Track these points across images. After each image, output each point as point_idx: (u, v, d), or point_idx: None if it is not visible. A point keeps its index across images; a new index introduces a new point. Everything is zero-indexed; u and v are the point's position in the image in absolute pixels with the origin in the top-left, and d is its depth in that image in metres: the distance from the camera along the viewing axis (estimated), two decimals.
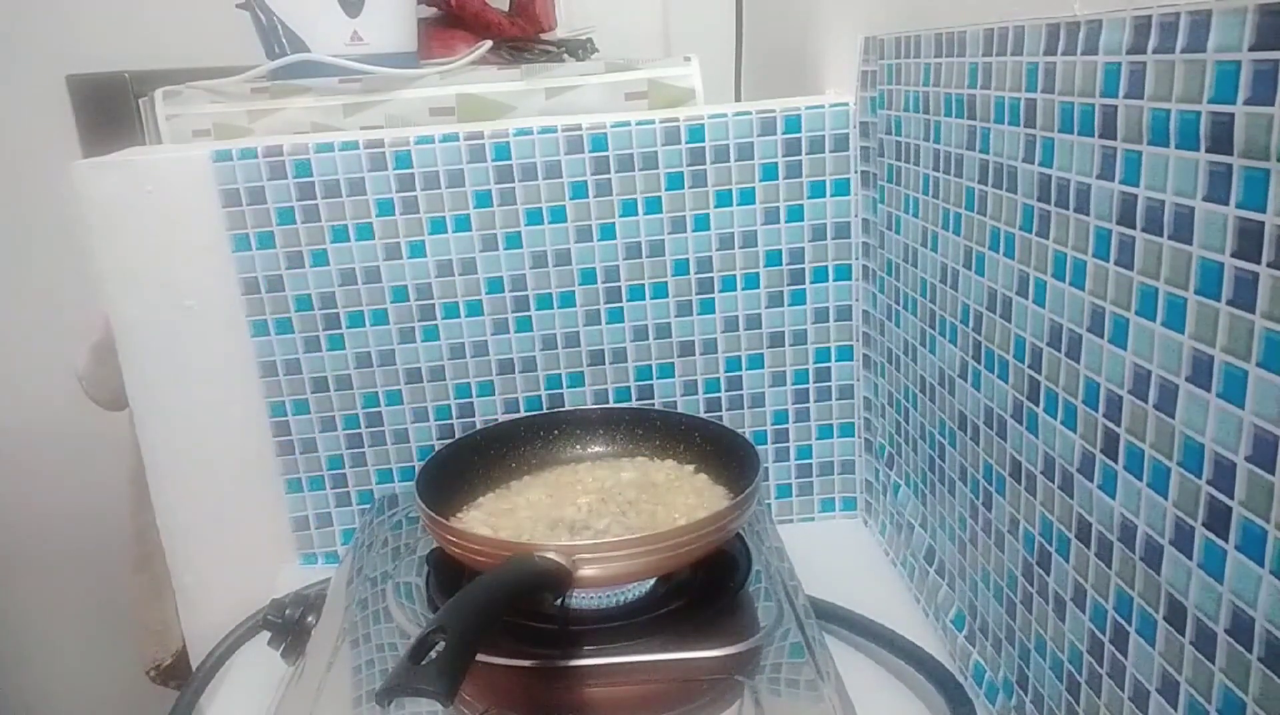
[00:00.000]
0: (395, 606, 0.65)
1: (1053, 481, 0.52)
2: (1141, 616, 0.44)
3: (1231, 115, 0.35)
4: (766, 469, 0.87)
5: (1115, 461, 0.45)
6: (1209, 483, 0.39)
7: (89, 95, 0.95)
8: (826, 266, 0.82)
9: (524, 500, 0.73)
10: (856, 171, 0.79)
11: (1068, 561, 0.51)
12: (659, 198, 0.80)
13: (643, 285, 0.82)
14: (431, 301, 0.81)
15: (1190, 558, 0.40)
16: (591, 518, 0.69)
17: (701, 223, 0.80)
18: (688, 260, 0.81)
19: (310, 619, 0.69)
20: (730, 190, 0.80)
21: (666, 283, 0.82)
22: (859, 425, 0.86)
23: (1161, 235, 0.40)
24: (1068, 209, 0.48)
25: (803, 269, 0.82)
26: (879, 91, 0.74)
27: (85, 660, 1.68)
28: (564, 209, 0.79)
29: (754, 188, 0.80)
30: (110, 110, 0.93)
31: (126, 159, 0.78)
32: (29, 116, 1.41)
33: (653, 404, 0.85)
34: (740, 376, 0.85)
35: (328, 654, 0.62)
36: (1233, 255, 0.36)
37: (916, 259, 0.69)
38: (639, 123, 0.78)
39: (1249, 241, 0.35)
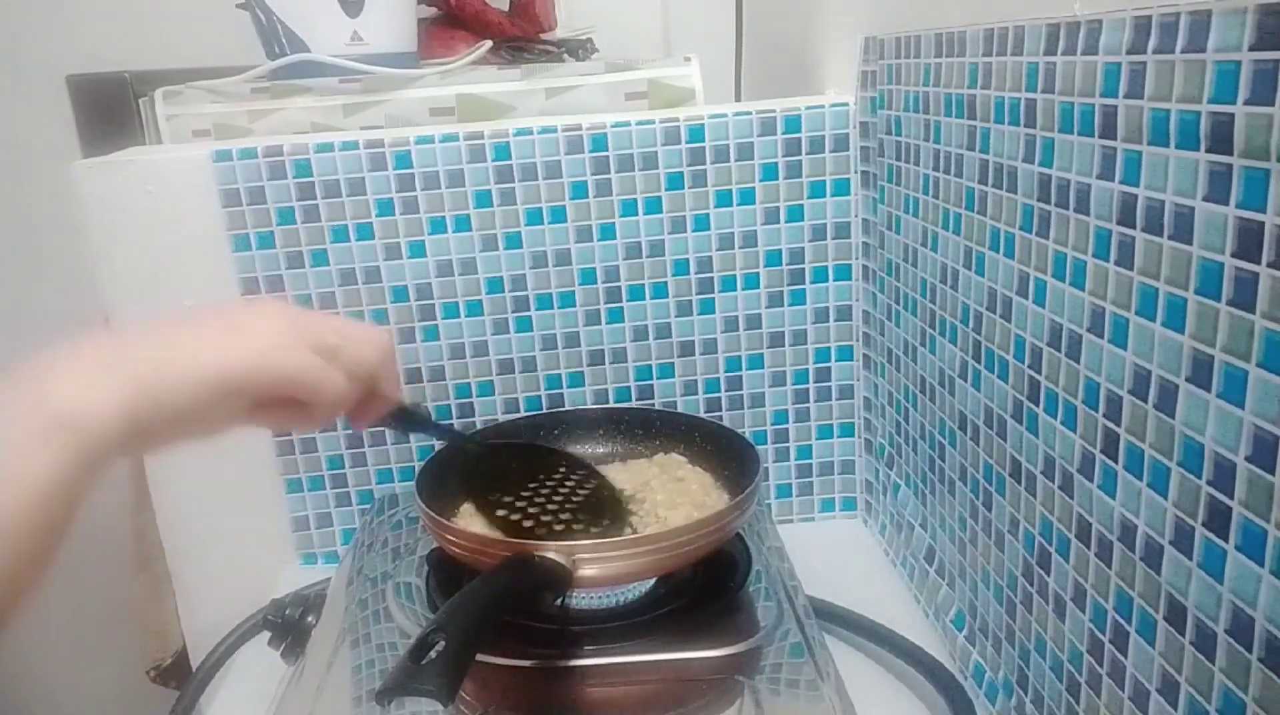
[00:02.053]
0: (395, 606, 0.65)
1: (1053, 481, 0.52)
2: (1141, 616, 0.44)
3: (1231, 115, 0.35)
4: (766, 469, 0.87)
5: (1115, 461, 0.45)
6: (1209, 483, 0.39)
7: (89, 95, 0.95)
8: (826, 266, 0.82)
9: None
10: (856, 171, 0.79)
11: (1068, 561, 0.51)
12: (659, 198, 0.80)
13: (643, 285, 0.82)
14: (431, 301, 0.81)
15: (1190, 558, 0.40)
16: None
17: (701, 223, 0.80)
18: (688, 260, 0.81)
19: (310, 619, 0.69)
20: (730, 190, 0.80)
21: (666, 283, 0.82)
22: (859, 425, 0.86)
23: (1161, 235, 0.40)
24: (1068, 209, 0.48)
25: (803, 269, 0.82)
26: (879, 91, 0.74)
27: (85, 660, 1.68)
28: (564, 209, 0.79)
29: (754, 188, 0.80)
30: (110, 110, 0.93)
31: (127, 159, 0.78)
32: (29, 116, 1.41)
33: (653, 404, 0.85)
34: (740, 376, 0.85)
35: (328, 654, 0.62)
36: (1233, 255, 0.36)
37: (916, 259, 0.69)
38: (639, 123, 0.78)
39: (1249, 241, 0.35)
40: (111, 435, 0.40)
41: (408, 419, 0.61)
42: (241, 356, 0.45)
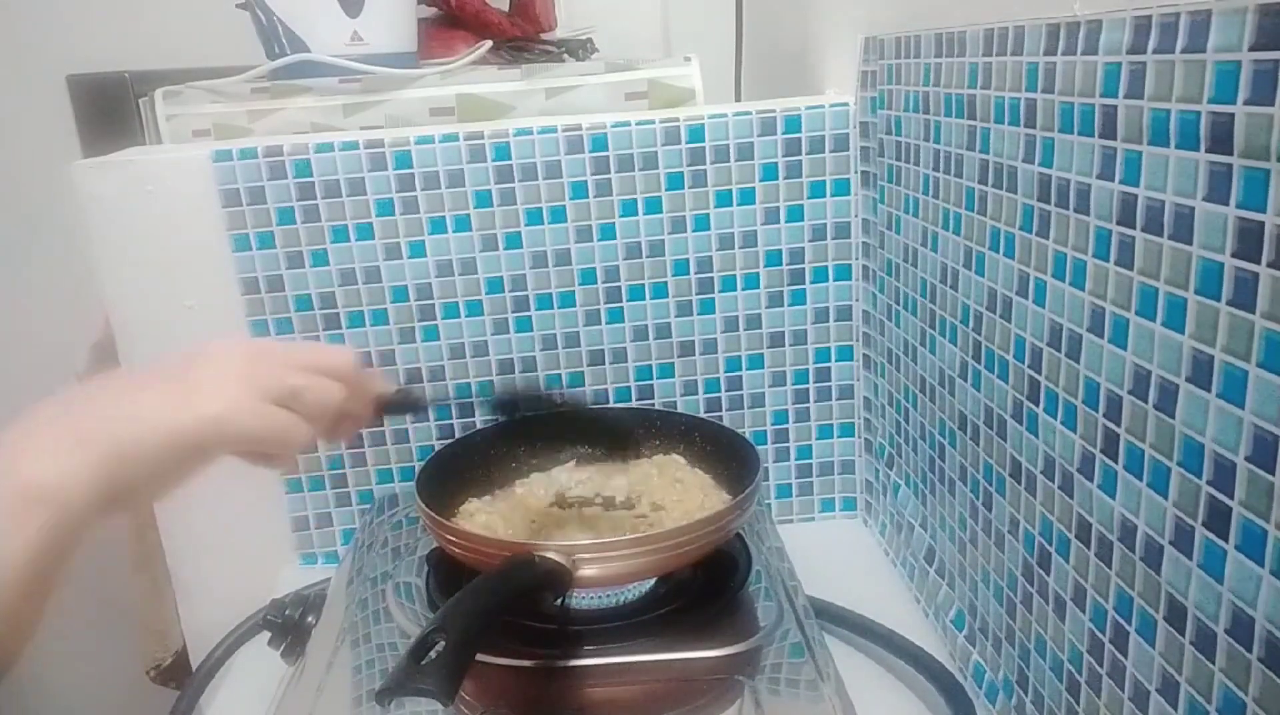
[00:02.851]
0: (395, 606, 0.65)
1: (1053, 481, 0.52)
2: (1141, 616, 0.44)
3: (1231, 115, 0.35)
4: (766, 469, 0.87)
5: (1115, 461, 0.45)
6: (1209, 483, 0.39)
7: (89, 95, 0.95)
8: (826, 266, 0.82)
9: (524, 500, 0.73)
10: (856, 171, 0.79)
11: (1068, 561, 0.51)
12: (659, 198, 0.80)
13: (643, 285, 0.82)
14: (431, 301, 0.81)
15: (1190, 558, 0.40)
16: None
17: (701, 223, 0.80)
18: (688, 260, 0.81)
19: (310, 619, 0.69)
20: (730, 190, 0.80)
21: (666, 283, 0.82)
22: (859, 425, 0.86)
23: (1161, 235, 0.40)
24: (1068, 209, 0.48)
25: (803, 269, 0.82)
26: (879, 91, 0.74)
27: (85, 660, 1.68)
28: (564, 209, 0.79)
29: (754, 188, 0.80)
30: (110, 110, 0.93)
31: (126, 159, 0.78)
32: (29, 116, 1.41)
33: (653, 404, 0.85)
34: (740, 376, 0.85)
35: (328, 654, 0.62)
36: (1233, 255, 0.36)
37: (916, 259, 0.69)
38: (639, 123, 0.78)
39: (1249, 241, 0.35)
40: (86, 504, 0.40)
41: (396, 410, 0.62)
42: (201, 418, 0.45)
